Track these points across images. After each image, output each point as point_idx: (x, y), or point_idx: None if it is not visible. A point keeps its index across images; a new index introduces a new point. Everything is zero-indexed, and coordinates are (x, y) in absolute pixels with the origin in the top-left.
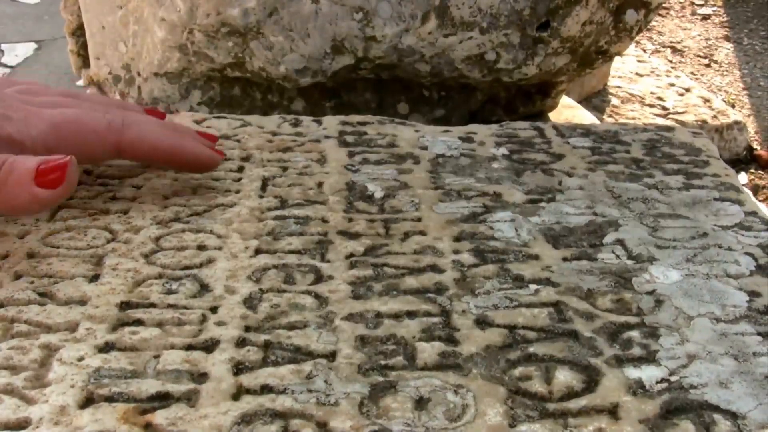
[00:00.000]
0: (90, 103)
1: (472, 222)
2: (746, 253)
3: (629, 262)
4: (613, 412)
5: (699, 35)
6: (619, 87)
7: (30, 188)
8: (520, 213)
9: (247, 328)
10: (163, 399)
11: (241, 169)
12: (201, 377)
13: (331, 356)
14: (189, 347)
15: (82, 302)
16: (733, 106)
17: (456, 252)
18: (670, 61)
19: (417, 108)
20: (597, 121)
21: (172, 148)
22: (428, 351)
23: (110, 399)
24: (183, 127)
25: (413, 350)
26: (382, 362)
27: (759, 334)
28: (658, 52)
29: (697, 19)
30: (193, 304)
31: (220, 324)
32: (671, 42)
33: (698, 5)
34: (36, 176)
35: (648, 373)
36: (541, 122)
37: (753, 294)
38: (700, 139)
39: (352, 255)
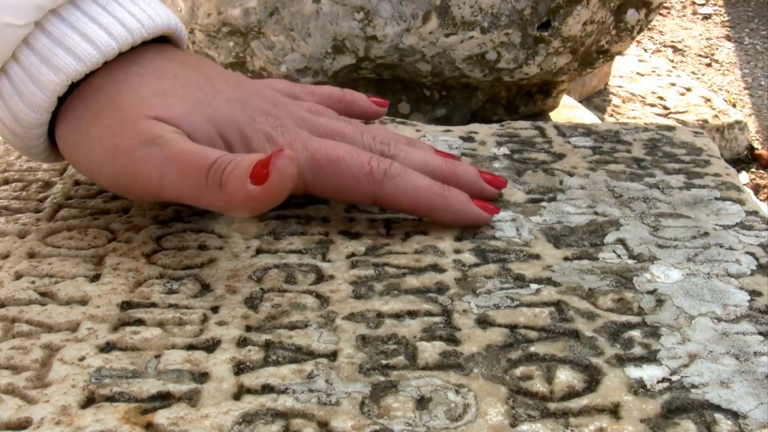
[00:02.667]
0: (365, 136)
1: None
2: (747, 253)
3: (630, 262)
4: (614, 411)
5: (700, 35)
6: (620, 86)
7: (245, 186)
8: (521, 212)
9: (248, 328)
10: (164, 399)
11: None
12: (202, 377)
13: (332, 356)
14: (190, 347)
15: (83, 302)
16: (734, 106)
17: (457, 252)
18: (671, 61)
19: (418, 107)
20: (598, 121)
21: (432, 207)
22: (429, 350)
23: (111, 399)
24: (460, 174)
25: (414, 350)
26: (384, 362)
27: (760, 333)
28: (659, 51)
29: (698, 18)
30: (195, 303)
31: (221, 324)
32: (672, 41)
33: (699, 5)
34: (252, 173)
35: (649, 373)
36: (542, 122)
37: (754, 293)
38: (701, 139)
39: (353, 255)
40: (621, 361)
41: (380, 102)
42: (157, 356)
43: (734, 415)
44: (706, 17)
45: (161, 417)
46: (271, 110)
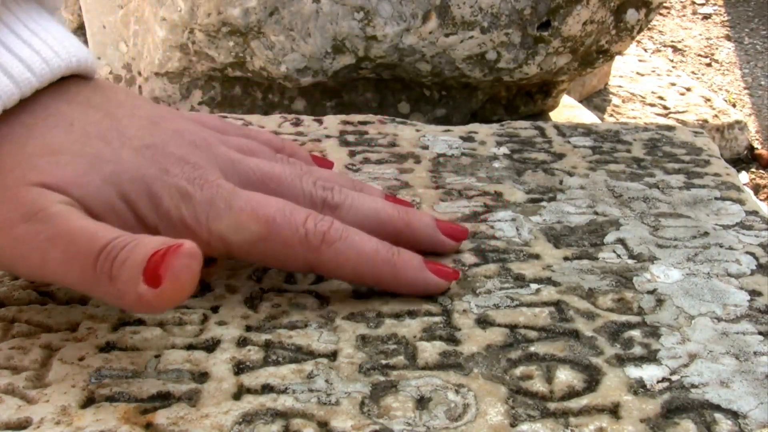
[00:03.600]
0: (305, 180)
1: (473, 221)
2: (747, 253)
3: (630, 262)
4: (614, 411)
5: (700, 34)
6: (620, 86)
7: (136, 286)
8: (521, 212)
9: (248, 328)
10: (164, 399)
11: None
12: (202, 377)
13: (332, 356)
14: (190, 347)
15: (83, 302)
16: (734, 106)
17: (457, 251)
18: (671, 61)
19: (418, 107)
20: (598, 121)
21: (380, 277)
22: (429, 350)
23: (111, 399)
24: (415, 226)
25: (414, 350)
26: (383, 362)
27: (760, 333)
28: (659, 51)
29: (698, 18)
30: (194, 303)
31: (221, 323)
32: (672, 41)
33: (699, 4)
34: (145, 269)
35: (649, 373)
36: (542, 122)
37: (754, 293)
38: (701, 139)
39: None
40: (621, 360)
41: (324, 162)
42: (157, 356)
43: (734, 415)
44: (706, 17)
45: (161, 417)
46: (190, 156)
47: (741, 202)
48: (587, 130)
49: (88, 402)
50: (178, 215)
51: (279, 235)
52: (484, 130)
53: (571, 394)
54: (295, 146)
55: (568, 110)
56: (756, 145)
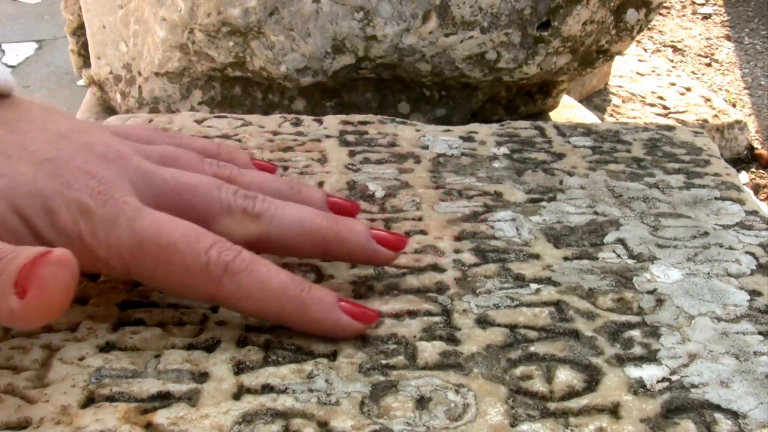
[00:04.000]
0: (224, 191)
1: (473, 221)
2: (747, 253)
3: (630, 262)
4: (614, 411)
5: (700, 34)
6: (620, 86)
7: (6, 297)
8: (521, 212)
9: (248, 328)
10: (164, 398)
11: None
12: (202, 377)
13: (332, 356)
14: (190, 347)
15: (83, 301)
16: (734, 106)
17: (457, 251)
18: (671, 61)
19: (418, 107)
20: (598, 121)
21: (284, 315)
22: (429, 350)
23: (111, 399)
24: (345, 237)
25: (414, 349)
26: (383, 361)
27: (760, 333)
28: (659, 51)
29: (697, 18)
30: (194, 303)
31: (221, 323)
32: (672, 41)
33: (699, 4)
34: (17, 279)
35: (649, 373)
36: (542, 121)
37: (754, 293)
38: (701, 139)
39: None
40: (621, 360)
41: (265, 167)
42: (157, 356)
43: (734, 415)
44: (706, 17)
45: (161, 417)
46: (98, 170)
47: (741, 202)
48: (587, 130)
49: (88, 402)
50: (75, 231)
51: (180, 262)
52: (484, 130)
53: (571, 394)
54: (234, 151)
55: (568, 110)
56: (756, 144)
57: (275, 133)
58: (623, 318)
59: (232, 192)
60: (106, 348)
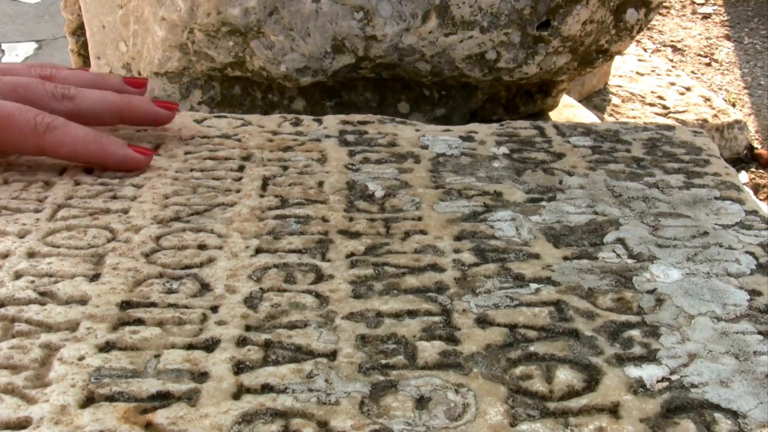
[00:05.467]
0: (47, 85)
1: (473, 221)
2: (747, 252)
3: (630, 261)
4: (613, 411)
5: (699, 34)
6: (619, 86)
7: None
8: (521, 212)
9: (248, 328)
10: (163, 398)
11: (241, 169)
12: (202, 376)
13: (332, 355)
14: (190, 346)
15: (83, 302)
16: (733, 105)
17: (456, 251)
18: (671, 60)
19: (417, 107)
20: (598, 120)
21: (90, 153)
22: (429, 350)
23: (111, 398)
24: (134, 105)
25: (414, 349)
26: (383, 361)
27: (759, 332)
28: (659, 51)
29: (697, 18)
30: (194, 303)
31: (220, 323)
32: (672, 41)
33: (699, 4)
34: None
35: (649, 372)
36: (542, 121)
37: (753, 293)
38: (701, 138)
39: (352, 254)
40: (620, 360)
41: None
42: (157, 356)
43: (734, 415)
44: (706, 17)
45: (161, 416)
46: None
47: (741, 201)
48: (587, 130)
49: (88, 402)
50: None
51: (16, 126)
52: (483, 130)
53: (571, 393)
54: (63, 71)
55: (567, 110)
56: (756, 144)
57: (275, 133)
58: (623, 318)
59: (53, 86)
60: (106, 348)
